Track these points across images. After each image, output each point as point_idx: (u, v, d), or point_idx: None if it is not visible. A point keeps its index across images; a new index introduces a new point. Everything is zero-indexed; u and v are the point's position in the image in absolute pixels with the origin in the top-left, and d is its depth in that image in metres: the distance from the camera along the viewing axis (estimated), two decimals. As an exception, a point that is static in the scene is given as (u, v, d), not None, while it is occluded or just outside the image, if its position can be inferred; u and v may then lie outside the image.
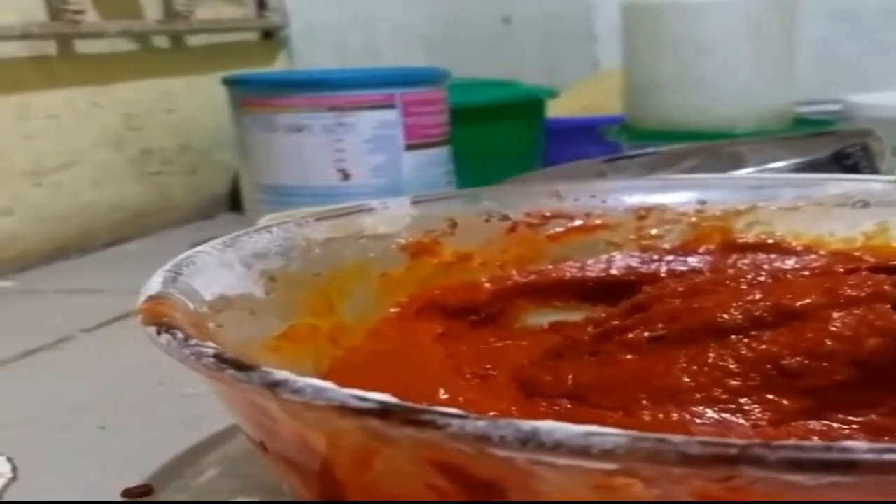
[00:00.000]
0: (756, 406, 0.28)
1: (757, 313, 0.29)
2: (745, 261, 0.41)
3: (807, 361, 0.28)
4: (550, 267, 0.41)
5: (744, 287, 0.32)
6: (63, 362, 0.50)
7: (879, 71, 1.28)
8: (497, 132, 0.87)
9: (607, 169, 0.64)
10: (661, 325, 0.30)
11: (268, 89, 0.71)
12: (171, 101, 0.84)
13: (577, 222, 0.42)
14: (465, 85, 0.86)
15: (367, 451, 0.21)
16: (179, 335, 0.24)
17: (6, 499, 0.34)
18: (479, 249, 0.41)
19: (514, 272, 0.41)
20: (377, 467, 0.21)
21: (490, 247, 0.41)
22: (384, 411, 0.19)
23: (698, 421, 0.28)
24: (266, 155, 0.70)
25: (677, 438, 0.17)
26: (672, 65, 0.82)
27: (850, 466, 0.16)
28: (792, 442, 0.17)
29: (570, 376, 0.30)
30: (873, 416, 0.27)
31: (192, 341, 0.24)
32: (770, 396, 0.28)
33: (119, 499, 0.33)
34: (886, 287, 0.29)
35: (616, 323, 0.32)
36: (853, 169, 0.53)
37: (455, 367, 0.33)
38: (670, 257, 0.42)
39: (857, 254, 0.40)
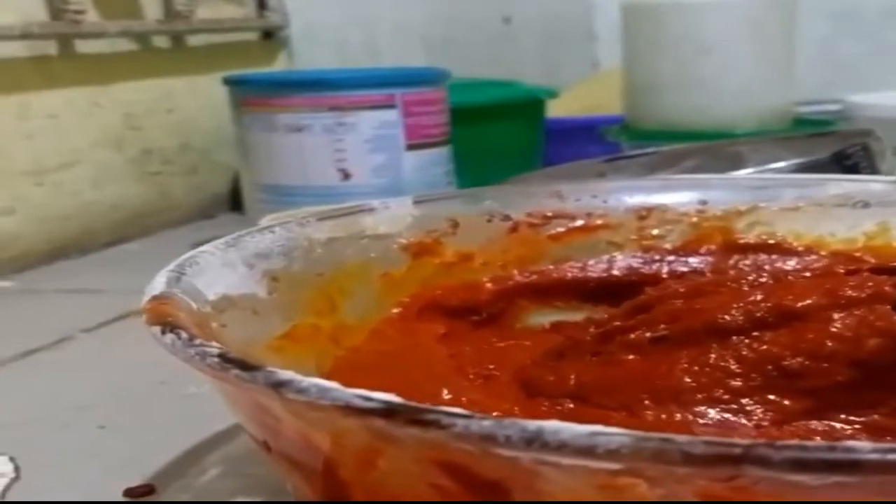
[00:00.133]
0: (758, 406, 0.28)
1: (758, 314, 0.29)
2: (747, 261, 0.41)
3: (807, 362, 0.28)
4: (552, 267, 0.41)
5: (745, 288, 0.32)
6: (63, 362, 0.50)
7: (879, 71, 1.29)
8: (497, 132, 0.87)
9: (607, 169, 0.64)
10: (662, 326, 0.30)
11: (268, 89, 0.71)
12: (172, 101, 0.84)
13: (579, 222, 0.42)
14: (466, 85, 0.86)
15: (372, 450, 0.21)
16: (184, 335, 0.24)
17: (8, 498, 0.34)
18: (481, 249, 0.41)
19: (515, 272, 0.41)
20: (381, 467, 0.21)
21: (491, 247, 0.41)
22: (389, 411, 0.19)
23: (701, 421, 0.28)
24: (266, 155, 0.70)
25: (681, 438, 0.17)
26: (672, 65, 0.82)
27: (853, 466, 0.17)
28: (796, 442, 0.17)
29: (572, 376, 0.31)
30: (875, 417, 0.28)
31: (197, 341, 0.24)
32: (771, 397, 0.28)
33: (121, 498, 0.33)
34: (887, 288, 0.29)
35: (618, 323, 0.32)
36: (853, 169, 0.53)
37: (458, 367, 0.34)
38: (671, 258, 0.42)
39: (857, 254, 0.40)
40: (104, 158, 0.77)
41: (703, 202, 0.43)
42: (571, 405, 0.30)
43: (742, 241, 0.42)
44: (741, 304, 0.30)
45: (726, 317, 0.29)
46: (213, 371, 0.23)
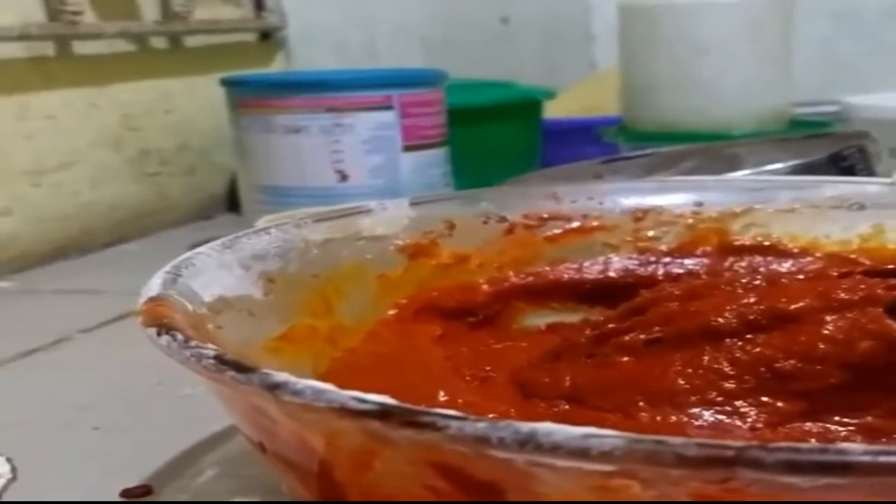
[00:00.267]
0: (752, 408, 0.28)
1: (751, 317, 0.30)
2: (742, 263, 0.41)
3: (800, 364, 0.28)
4: (548, 268, 0.42)
5: (739, 290, 0.32)
6: (62, 362, 0.50)
7: (879, 71, 1.29)
8: (495, 133, 0.87)
9: (605, 170, 0.64)
10: (657, 328, 0.31)
11: (266, 90, 0.71)
12: (170, 102, 0.84)
13: (575, 224, 0.42)
14: (463, 86, 0.86)
15: (367, 452, 0.21)
16: (180, 337, 0.24)
17: (6, 499, 0.34)
18: (477, 251, 0.41)
19: (511, 274, 0.41)
20: (376, 468, 0.21)
21: (488, 248, 0.41)
22: (384, 413, 0.19)
23: (695, 423, 0.28)
24: (264, 156, 0.70)
25: (675, 440, 0.17)
26: (669, 65, 0.82)
27: (846, 468, 0.17)
28: (788, 444, 0.17)
29: (567, 378, 0.31)
30: (869, 419, 0.28)
31: (193, 343, 0.24)
32: (765, 399, 0.28)
33: (118, 499, 0.33)
34: (879, 291, 0.29)
35: (613, 325, 0.32)
36: (849, 171, 0.53)
37: (454, 368, 0.34)
38: (667, 259, 0.42)
39: (852, 256, 0.40)
40: (102, 159, 0.77)
41: (699, 204, 0.43)
42: (567, 407, 0.30)
43: (738, 243, 0.42)
44: (735, 307, 0.30)
45: (720, 319, 0.30)
46: (208, 373, 0.23)
